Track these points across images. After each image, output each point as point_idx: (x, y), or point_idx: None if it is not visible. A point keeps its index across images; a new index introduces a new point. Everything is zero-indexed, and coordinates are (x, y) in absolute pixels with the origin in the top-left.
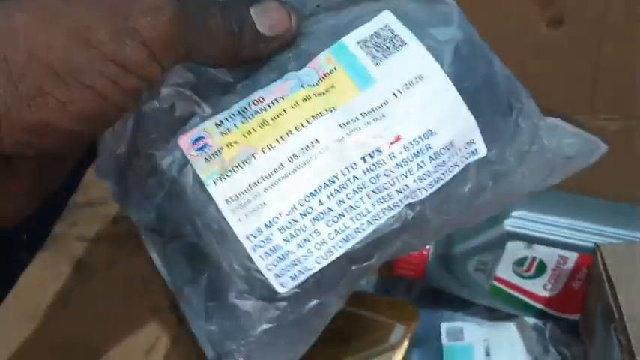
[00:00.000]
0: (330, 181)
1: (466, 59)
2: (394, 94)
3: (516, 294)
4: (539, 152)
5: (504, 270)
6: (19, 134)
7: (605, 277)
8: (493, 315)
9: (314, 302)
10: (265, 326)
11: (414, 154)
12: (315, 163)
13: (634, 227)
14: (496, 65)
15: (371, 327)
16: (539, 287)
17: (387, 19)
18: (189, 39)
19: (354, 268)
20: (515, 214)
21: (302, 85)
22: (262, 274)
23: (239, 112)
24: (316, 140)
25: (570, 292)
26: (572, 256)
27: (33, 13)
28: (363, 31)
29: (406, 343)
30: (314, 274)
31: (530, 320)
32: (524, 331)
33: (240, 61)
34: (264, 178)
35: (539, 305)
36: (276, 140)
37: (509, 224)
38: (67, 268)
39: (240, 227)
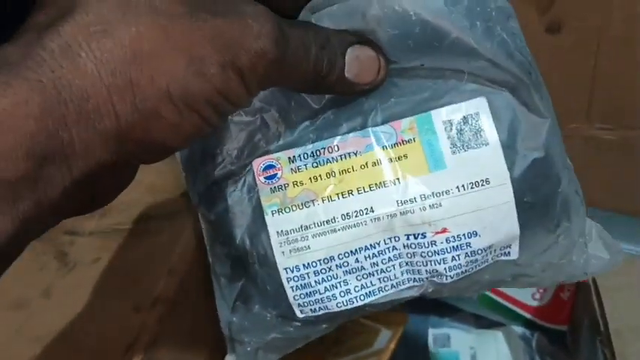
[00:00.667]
0: (371, 245)
1: (537, 177)
2: (458, 188)
3: (505, 303)
4: (566, 266)
5: None
6: (131, 147)
7: (592, 288)
8: (480, 322)
9: (324, 326)
10: (277, 335)
11: (453, 247)
12: (364, 229)
13: (625, 239)
14: (563, 184)
15: (358, 331)
16: (528, 297)
17: (480, 106)
18: (279, 79)
19: (367, 309)
20: None
21: (378, 144)
22: (288, 301)
23: (312, 154)
24: (372, 209)
25: (559, 302)
26: None
27: (156, 41)
28: (454, 110)
29: (392, 347)
30: (332, 312)
31: (518, 329)
32: (511, 340)
33: (320, 94)
34: (316, 225)
35: (527, 315)
36: (337, 196)
37: None
38: (52, 260)
39: (283, 259)
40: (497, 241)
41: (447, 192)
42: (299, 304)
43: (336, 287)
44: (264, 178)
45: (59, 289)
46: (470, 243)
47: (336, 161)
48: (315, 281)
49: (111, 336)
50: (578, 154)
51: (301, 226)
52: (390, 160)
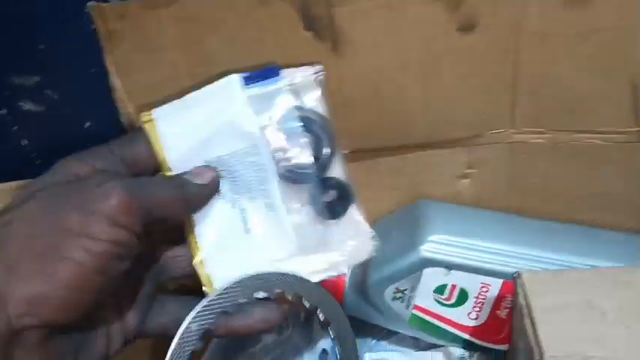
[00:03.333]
0: None
1: None
2: None
3: (439, 323)
4: None
5: (424, 298)
6: (21, 307)
7: (526, 310)
8: (419, 344)
9: None
10: None
11: None
12: None
13: (563, 250)
14: None
15: None
16: (464, 316)
17: None
18: (142, 201)
19: None
20: (432, 237)
21: None
22: None
23: None
24: None
25: (496, 321)
26: (496, 283)
27: (22, 225)
28: None
29: None
30: None
31: (457, 351)
32: None
33: (193, 205)
34: None
35: (465, 335)
36: None
37: (426, 249)
38: None
39: None
40: None
41: None
42: None
43: None
44: None
45: None
46: None
47: None
48: None
49: None
50: (505, 161)
51: None
52: None
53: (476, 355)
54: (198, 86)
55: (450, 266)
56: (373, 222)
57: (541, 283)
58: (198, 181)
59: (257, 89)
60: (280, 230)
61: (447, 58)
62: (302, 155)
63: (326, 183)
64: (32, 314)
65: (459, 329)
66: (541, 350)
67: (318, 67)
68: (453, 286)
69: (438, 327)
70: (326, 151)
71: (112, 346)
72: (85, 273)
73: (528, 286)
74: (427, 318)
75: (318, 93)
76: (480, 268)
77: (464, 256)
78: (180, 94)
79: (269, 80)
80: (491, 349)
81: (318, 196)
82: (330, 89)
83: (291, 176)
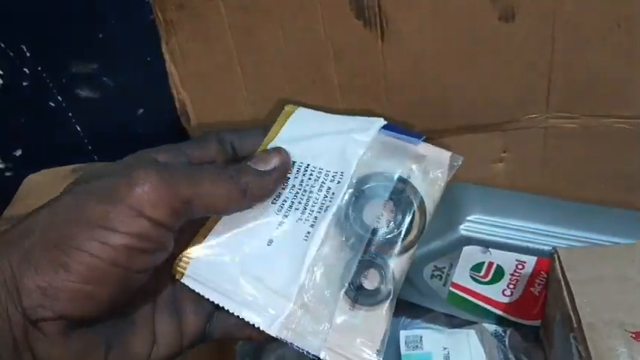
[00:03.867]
0: None
1: None
2: None
3: (475, 300)
4: None
5: (461, 276)
6: (34, 297)
7: (563, 282)
8: (453, 322)
9: None
10: None
11: None
12: None
13: (595, 229)
14: None
15: None
16: (498, 293)
17: None
18: (180, 190)
19: None
20: (470, 217)
21: None
22: None
23: None
24: None
25: (530, 297)
26: (531, 261)
27: (50, 211)
28: None
29: None
30: None
31: (491, 327)
32: (484, 338)
33: (251, 198)
34: None
35: (498, 312)
36: None
37: (465, 228)
38: None
39: None
40: None
41: None
42: None
43: None
44: None
45: None
46: None
47: None
48: None
49: None
50: (538, 145)
51: None
52: None
53: (509, 330)
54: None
55: (487, 244)
56: None
57: (577, 258)
58: (261, 167)
59: (390, 138)
60: (296, 266)
61: (486, 45)
62: (378, 219)
63: (375, 264)
64: (46, 306)
65: (493, 306)
66: (579, 317)
67: (458, 157)
68: (490, 264)
69: (474, 304)
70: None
71: (159, 347)
72: (100, 265)
73: (565, 261)
74: (464, 295)
75: (442, 178)
76: (516, 246)
77: (501, 235)
78: (232, 82)
79: (406, 137)
80: (523, 325)
81: (357, 272)
82: (375, 76)
83: (347, 228)
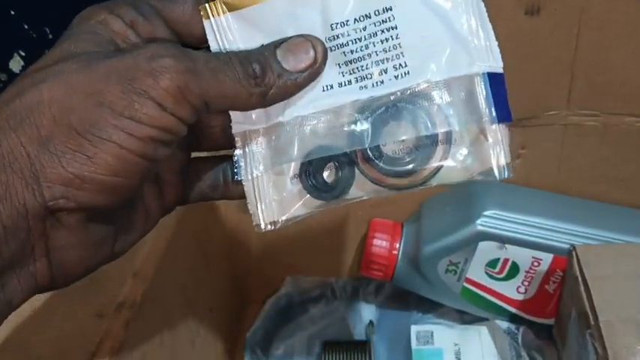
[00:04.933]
0: None
1: None
2: None
3: (488, 297)
4: None
5: (476, 271)
6: (56, 188)
7: (580, 279)
8: (464, 318)
9: None
10: None
11: None
12: None
13: (612, 228)
14: None
15: None
16: (513, 290)
17: None
18: (201, 89)
19: None
20: (487, 212)
21: None
22: None
23: None
24: None
25: (544, 295)
26: (547, 258)
27: (56, 85)
28: None
29: None
30: None
31: (503, 324)
32: (496, 335)
33: (270, 100)
34: None
35: (512, 309)
36: None
37: (481, 223)
38: None
39: None
40: None
41: None
42: None
43: None
44: None
45: None
46: None
47: None
48: None
49: (71, 344)
50: (557, 142)
51: None
52: None
53: (522, 328)
54: None
55: (504, 240)
56: (424, 199)
57: (594, 256)
58: (290, 64)
59: (481, 89)
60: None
61: (511, 39)
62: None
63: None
64: (68, 197)
65: (507, 303)
66: (596, 315)
67: (510, 170)
68: (506, 260)
69: (488, 300)
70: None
71: (149, 222)
72: (128, 157)
73: (583, 258)
74: (478, 291)
75: (474, 170)
76: (532, 243)
77: (518, 231)
78: None
79: (494, 107)
80: (536, 323)
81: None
82: None
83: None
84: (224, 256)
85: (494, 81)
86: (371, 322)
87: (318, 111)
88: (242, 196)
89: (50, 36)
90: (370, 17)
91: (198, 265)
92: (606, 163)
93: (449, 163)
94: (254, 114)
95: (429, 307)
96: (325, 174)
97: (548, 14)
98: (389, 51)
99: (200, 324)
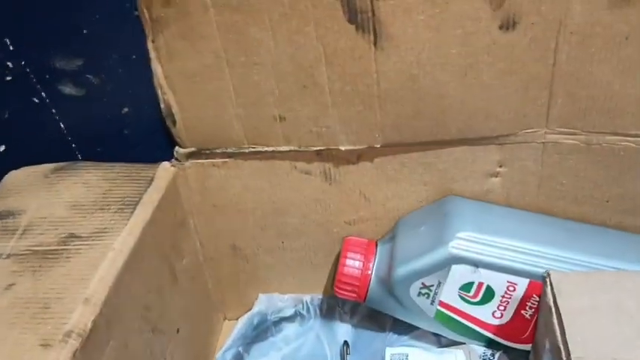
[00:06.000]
0: None
1: None
2: None
3: (464, 321)
4: None
5: (450, 295)
6: None
7: (554, 309)
8: (441, 340)
9: None
10: None
11: None
12: None
13: (594, 252)
14: None
15: None
16: (488, 314)
17: None
18: None
19: None
20: (461, 234)
21: None
22: None
23: None
24: None
25: (521, 321)
26: (523, 283)
27: None
28: None
29: None
30: None
31: (480, 349)
32: (472, 359)
33: None
34: None
35: (488, 333)
36: None
37: (454, 246)
38: None
39: None
40: None
41: None
42: None
43: None
44: None
45: None
46: None
47: None
48: None
49: None
50: (537, 161)
51: None
52: None
53: (498, 353)
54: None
55: (477, 264)
56: (401, 217)
57: (570, 284)
58: None
59: None
60: None
61: (486, 55)
62: None
63: None
64: None
65: (482, 327)
66: (568, 351)
67: None
68: (480, 284)
69: (462, 324)
70: None
71: None
72: None
73: (557, 286)
74: (452, 315)
75: None
76: (507, 267)
77: (492, 254)
78: (219, 84)
79: None
80: (513, 349)
81: None
82: (368, 84)
83: None
84: (194, 274)
85: None
86: (345, 343)
87: None
88: None
89: (11, 47)
90: None
91: (164, 284)
92: (589, 182)
93: None
94: None
95: (406, 328)
96: None
97: (525, 28)
98: None
99: (166, 347)
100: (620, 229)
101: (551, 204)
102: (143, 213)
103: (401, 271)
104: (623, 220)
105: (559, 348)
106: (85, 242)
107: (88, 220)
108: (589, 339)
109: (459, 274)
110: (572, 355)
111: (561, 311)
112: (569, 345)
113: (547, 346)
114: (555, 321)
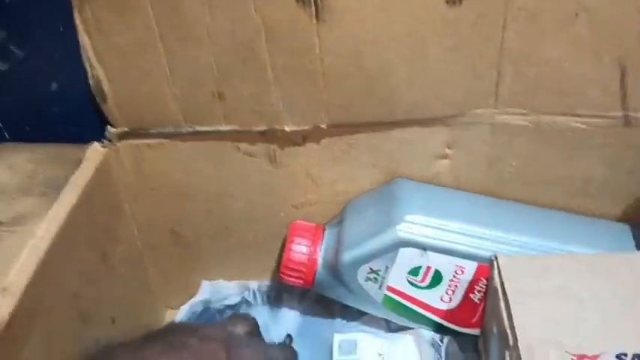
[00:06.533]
0: None
1: None
2: None
3: (411, 306)
4: None
5: (398, 279)
6: None
7: (501, 293)
8: (391, 325)
9: None
10: None
11: None
12: None
13: (543, 235)
14: None
15: None
16: (436, 299)
17: None
18: None
19: None
20: (408, 217)
21: None
22: None
23: None
24: None
25: (469, 305)
26: (471, 266)
27: None
28: None
29: None
30: None
31: (428, 334)
32: (422, 344)
33: None
34: None
35: (436, 318)
36: None
37: (402, 229)
38: None
39: None
40: None
41: None
42: None
43: None
44: None
45: None
46: None
47: None
48: None
49: None
50: (486, 142)
51: None
52: None
53: (447, 338)
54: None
55: (425, 247)
56: (349, 200)
57: (517, 267)
58: None
59: None
60: None
61: (433, 31)
62: None
63: None
64: None
65: (431, 312)
66: (515, 335)
67: None
68: (428, 268)
69: (411, 309)
70: None
71: None
72: None
73: (504, 270)
74: (400, 300)
75: None
76: (455, 250)
77: (440, 238)
78: (153, 60)
79: None
80: (462, 333)
81: None
82: (311, 59)
83: None
84: (131, 261)
85: None
86: (289, 336)
87: None
88: None
89: None
90: None
91: (96, 271)
92: (539, 164)
93: None
94: None
95: (355, 314)
96: None
97: (471, 4)
98: None
99: (99, 337)
100: (568, 211)
101: (501, 186)
102: (69, 196)
103: (348, 255)
104: (571, 201)
105: (506, 332)
106: (6, 228)
107: (9, 204)
108: (537, 324)
109: (407, 257)
110: (519, 340)
111: (508, 295)
112: (517, 330)
113: (494, 330)
114: (502, 305)
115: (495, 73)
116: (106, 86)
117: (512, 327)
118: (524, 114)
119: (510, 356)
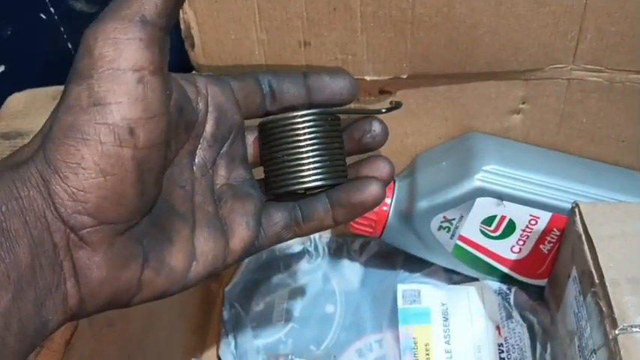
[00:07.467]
0: None
1: None
2: None
3: (481, 255)
4: None
5: (471, 229)
6: (67, 204)
7: (584, 238)
8: (453, 278)
9: None
10: None
11: None
12: None
13: (612, 189)
14: None
15: None
16: (507, 249)
17: None
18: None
19: None
20: (486, 167)
21: None
22: None
23: None
24: None
25: (538, 255)
26: (545, 216)
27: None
28: None
29: None
30: None
31: (494, 284)
32: (485, 295)
33: None
34: None
35: (504, 268)
36: None
37: (480, 178)
38: None
39: None
40: None
41: None
42: None
43: None
44: None
45: None
46: None
47: None
48: None
49: None
50: (560, 98)
51: None
52: None
53: (514, 289)
54: None
55: (502, 197)
56: (417, 154)
57: (599, 213)
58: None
59: None
60: None
61: None
62: None
63: None
64: (80, 211)
65: (499, 262)
66: (601, 273)
67: None
68: (502, 218)
69: (480, 259)
70: None
71: (199, 265)
72: (110, 150)
73: (587, 216)
74: (470, 249)
75: None
76: (532, 200)
77: (517, 188)
78: (244, 5)
79: None
80: (526, 284)
81: None
82: (403, 6)
83: None
84: None
85: None
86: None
87: None
88: (311, 232)
89: None
90: None
91: None
92: (608, 122)
93: None
94: None
95: (417, 266)
96: None
97: None
98: None
99: None
100: (634, 169)
101: (569, 143)
102: None
103: (423, 204)
104: (635, 161)
105: (591, 272)
106: None
107: None
108: (620, 263)
109: (483, 207)
110: (605, 278)
111: (592, 238)
112: (602, 268)
113: (573, 274)
114: (586, 248)
115: (577, 29)
116: (195, 31)
117: (597, 266)
118: (600, 71)
119: (595, 294)
